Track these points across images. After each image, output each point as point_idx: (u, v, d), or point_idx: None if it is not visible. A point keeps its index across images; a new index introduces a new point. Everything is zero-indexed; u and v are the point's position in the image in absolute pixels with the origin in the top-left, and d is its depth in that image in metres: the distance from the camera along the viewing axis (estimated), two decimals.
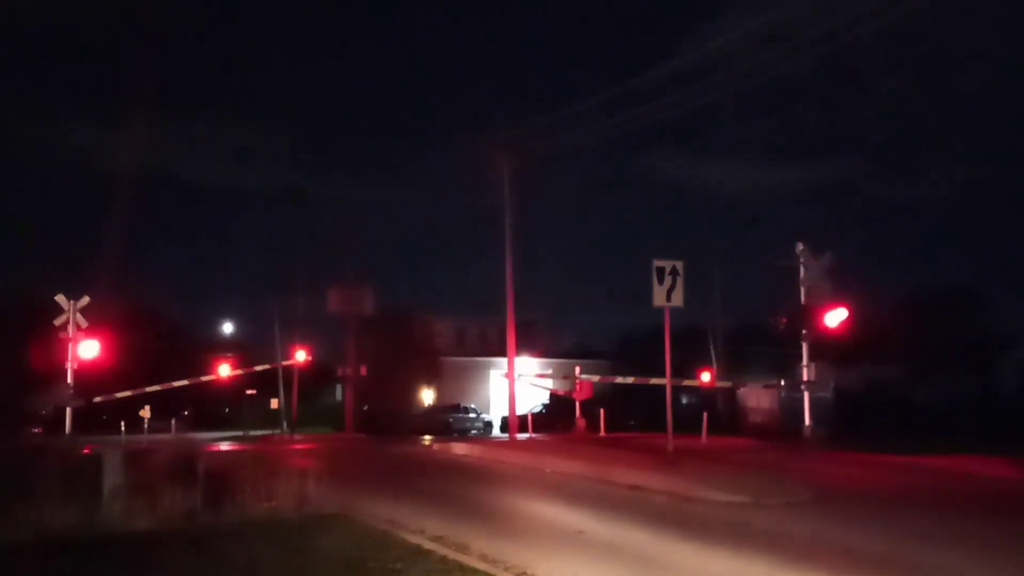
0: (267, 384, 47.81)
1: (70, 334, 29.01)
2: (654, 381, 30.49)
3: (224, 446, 30.22)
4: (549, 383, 43.48)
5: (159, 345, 48.87)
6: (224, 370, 40.88)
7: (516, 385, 34.70)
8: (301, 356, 44.42)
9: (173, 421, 35.31)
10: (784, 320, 27.49)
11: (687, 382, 34.65)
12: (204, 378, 40.87)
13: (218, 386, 42.88)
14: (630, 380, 35.47)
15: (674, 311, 19.91)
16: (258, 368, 43.38)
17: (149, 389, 36.09)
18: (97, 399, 35.41)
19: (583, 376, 35.64)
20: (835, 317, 25.65)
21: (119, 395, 36.37)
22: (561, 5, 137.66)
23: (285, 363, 44.73)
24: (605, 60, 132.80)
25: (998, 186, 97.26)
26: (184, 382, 38.82)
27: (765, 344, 40.18)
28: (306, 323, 50.74)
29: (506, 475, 20.08)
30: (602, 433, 34.12)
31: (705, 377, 34.27)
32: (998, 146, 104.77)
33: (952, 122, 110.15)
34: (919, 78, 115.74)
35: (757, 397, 40.83)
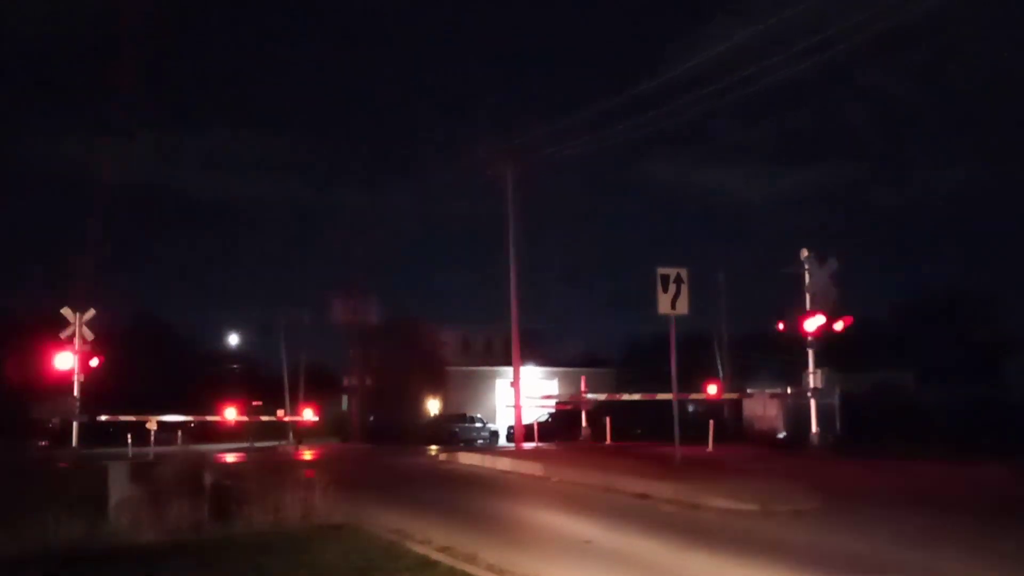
0: (273, 395, 47.87)
1: (76, 347, 29.08)
2: (660, 397, 30.45)
3: (230, 457, 30.21)
4: (554, 403, 43.46)
5: (165, 358, 48.97)
6: (230, 413, 40.99)
7: (522, 395, 34.68)
8: (308, 414, 44.56)
9: (179, 433, 35.33)
10: (782, 327, 27.66)
11: (694, 396, 34.57)
12: (210, 418, 40.93)
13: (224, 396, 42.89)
14: (636, 397, 35.49)
15: (680, 318, 19.88)
16: (264, 418, 43.45)
17: (163, 419, 36.36)
18: (102, 418, 35.51)
19: (589, 395, 35.63)
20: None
21: (124, 418, 36.53)
22: (561, 12, 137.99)
23: (292, 418, 44.81)
24: (606, 66, 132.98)
25: (1003, 187, 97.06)
26: (189, 418, 38.91)
27: (771, 351, 40.09)
28: (311, 334, 50.93)
29: (513, 484, 20.05)
30: (608, 442, 34.07)
31: (712, 390, 34.20)
32: (1002, 147, 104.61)
33: (954, 123, 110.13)
34: (918, 80, 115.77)
35: (763, 405, 40.71)
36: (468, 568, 9.60)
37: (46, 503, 11.53)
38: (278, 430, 45.15)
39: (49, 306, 32.88)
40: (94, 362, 29.54)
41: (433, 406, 53.70)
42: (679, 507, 15.10)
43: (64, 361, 29.18)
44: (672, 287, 19.45)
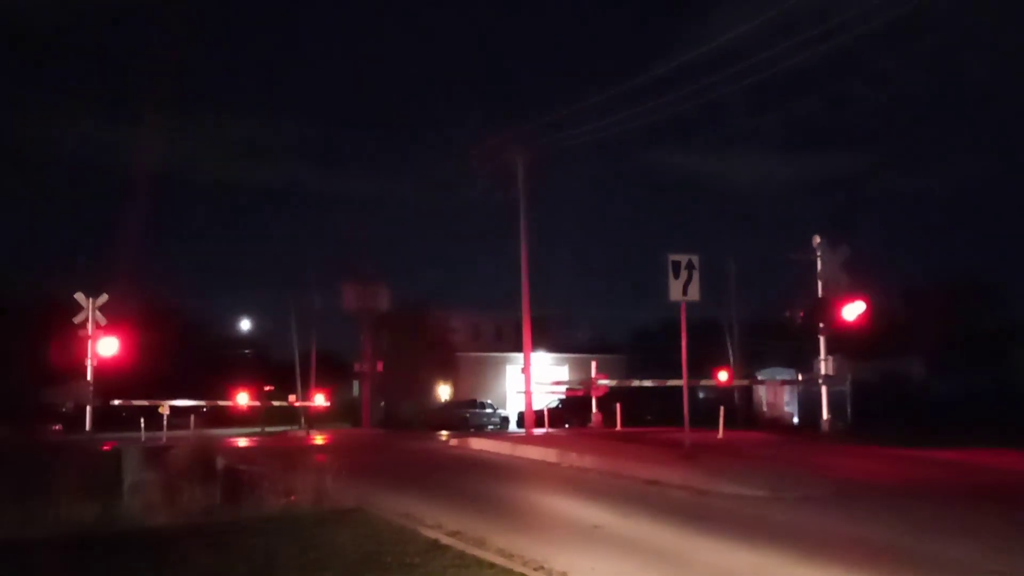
0: (285, 380, 48.07)
1: (89, 331, 29.24)
2: (671, 383, 30.44)
3: (242, 442, 30.39)
4: (564, 389, 43.53)
5: (177, 343, 49.18)
6: (242, 399, 41.26)
7: (532, 381, 34.71)
8: (320, 399, 44.84)
9: (192, 417, 35.51)
10: (801, 314, 27.41)
11: (704, 382, 34.55)
12: (222, 403, 41.21)
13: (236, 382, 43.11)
14: (647, 383, 35.50)
15: (690, 305, 19.88)
16: (276, 403, 43.72)
17: (176, 403, 36.66)
18: (115, 402, 35.77)
19: (600, 382, 35.66)
20: (853, 310, 25.54)
21: (136, 402, 36.87)
22: None
23: (303, 404, 45.08)
24: (616, 54, 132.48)
25: (1014, 175, 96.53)
26: (202, 403, 39.15)
27: (782, 337, 40.07)
28: (322, 319, 51.10)
29: (523, 470, 20.11)
30: (619, 428, 34.09)
31: (723, 376, 34.11)
32: (1016, 136, 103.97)
33: (966, 112, 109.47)
34: (930, 68, 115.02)
35: (774, 392, 40.71)
36: (478, 552, 9.66)
37: (59, 487, 11.63)
38: (290, 415, 45.35)
39: (62, 291, 33.09)
40: (113, 348, 29.67)
41: (444, 392, 53.82)
42: (688, 493, 15.14)
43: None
44: (683, 273, 19.43)
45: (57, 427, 30.22)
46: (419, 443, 30.55)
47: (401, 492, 15.15)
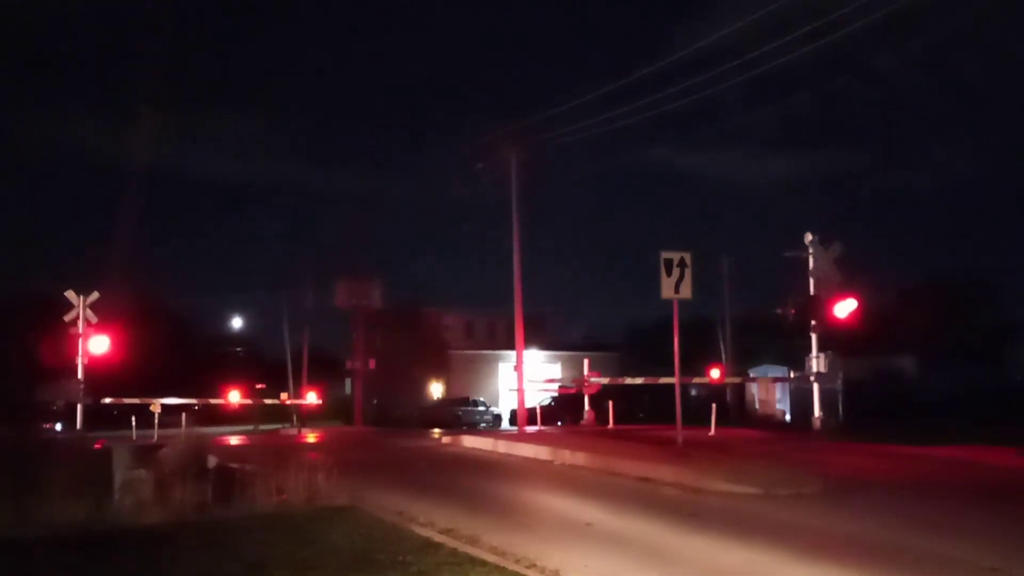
0: (277, 378, 47.98)
1: (80, 329, 29.12)
2: (663, 381, 30.44)
3: (234, 440, 30.32)
4: (556, 387, 43.56)
5: (169, 341, 49.04)
6: (234, 396, 41.22)
7: (525, 379, 34.73)
8: (312, 397, 44.85)
9: (183, 415, 35.42)
10: (793, 311, 27.40)
11: (697, 379, 34.57)
12: (214, 401, 41.17)
13: (228, 378, 43.05)
14: (639, 381, 35.51)
15: (684, 302, 19.87)
16: (268, 401, 43.71)
17: (167, 401, 36.58)
18: (106, 400, 35.66)
19: (593, 380, 35.70)
20: (844, 308, 25.55)
21: (128, 400, 36.80)
22: None
23: (295, 401, 45.14)
24: (609, 51, 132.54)
25: (1007, 172, 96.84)
26: (193, 401, 39.11)
27: (775, 334, 40.12)
28: (314, 317, 51.05)
29: (515, 468, 20.10)
30: (611, 425, 34.11)
31: (715, 374, 34.13)
32: (1008, 135, 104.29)
33: (960, 110, 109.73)
34: (925, 66, 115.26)
35: (766, 389, 40.76)
36: (470, 550, 9.65)
37: (51, 486, 11.59)
38: (282, 413, 45.27)
39: (53, 288, 32.94)
40: (104, 346, 29.56)
41: (436, 390, 53.78)
42: (681, 490, 15.14)
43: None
44: (676, 271, 19.41)
45: (48, 425, 30.09)
46: (411, 441, 30.53)
47: (394, 490, 15.13)
